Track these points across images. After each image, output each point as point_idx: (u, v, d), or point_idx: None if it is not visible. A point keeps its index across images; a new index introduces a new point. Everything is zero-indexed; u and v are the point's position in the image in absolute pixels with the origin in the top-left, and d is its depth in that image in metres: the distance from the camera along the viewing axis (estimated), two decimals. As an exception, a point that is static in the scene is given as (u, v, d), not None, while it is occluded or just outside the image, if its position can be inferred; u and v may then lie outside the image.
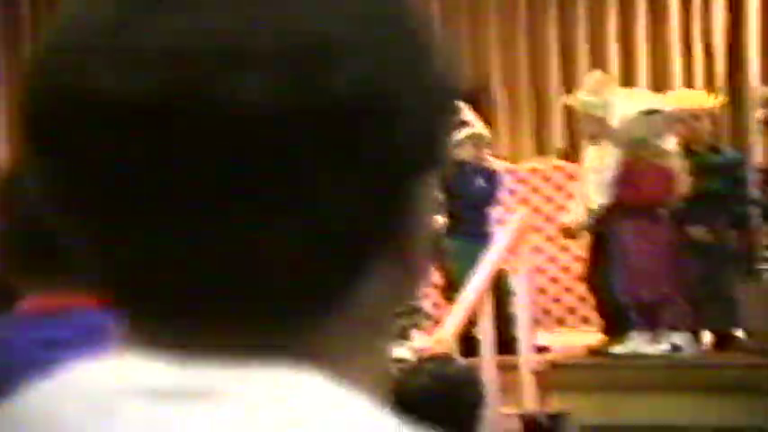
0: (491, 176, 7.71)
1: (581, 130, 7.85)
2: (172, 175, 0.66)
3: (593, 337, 8.04)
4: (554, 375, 6.83)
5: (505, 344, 6.50)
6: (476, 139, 7.68)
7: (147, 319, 0.69)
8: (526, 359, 6.72)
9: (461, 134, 7.45)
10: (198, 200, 0.66)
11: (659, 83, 9.62)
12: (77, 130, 0.67)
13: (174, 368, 0.67)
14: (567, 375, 6.88)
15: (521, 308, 6.80)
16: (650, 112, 6.99)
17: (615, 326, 7.25)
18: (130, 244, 0.68)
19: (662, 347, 6.98)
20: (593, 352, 7.31)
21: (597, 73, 7.76)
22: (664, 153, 7.05)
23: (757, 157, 8.82)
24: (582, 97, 7.30)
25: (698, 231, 7.01)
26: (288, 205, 0.66)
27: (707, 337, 7.27)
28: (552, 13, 10.16)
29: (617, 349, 7.15)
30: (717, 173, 7.17)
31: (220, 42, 0.66)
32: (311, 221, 0.67)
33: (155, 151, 0.65)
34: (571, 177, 8.93)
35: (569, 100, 7.90)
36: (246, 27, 0.66)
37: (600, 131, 7.12)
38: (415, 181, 0.70)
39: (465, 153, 7.51)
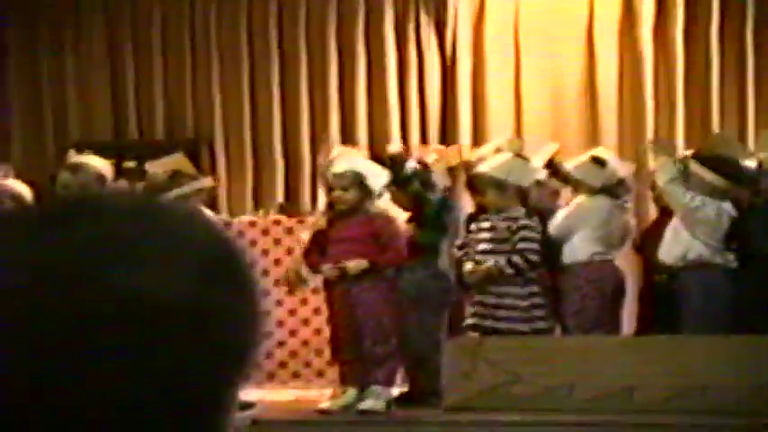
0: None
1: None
2: None
3: (303, 392, 8.13)
4: (256, 433, 6.84)
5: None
6: (203, 193, 7.73)
7: None
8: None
9: (188, 188, 7.46)
10: None
11: (378, 139, 9.84)
12: None
13: None
14: (271, 433, 6.91)
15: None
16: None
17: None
18: None
19: (371, 403, 7.06)
20: (309, 408, 7.35)
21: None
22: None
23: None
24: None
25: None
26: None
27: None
28: (275, 70, 10.29)
29: (326, 405, 7.21)
30: None
31: None
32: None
33: None
34: (289, 231, 9.02)
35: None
36: None
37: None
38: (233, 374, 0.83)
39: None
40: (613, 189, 7.51)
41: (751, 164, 7.45)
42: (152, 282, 0.81)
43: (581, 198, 7.52)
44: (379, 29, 10.18)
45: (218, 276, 0.85)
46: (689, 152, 7.69)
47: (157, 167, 7.82)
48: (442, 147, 9.03)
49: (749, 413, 6.24)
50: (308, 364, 8.93)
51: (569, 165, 7.70)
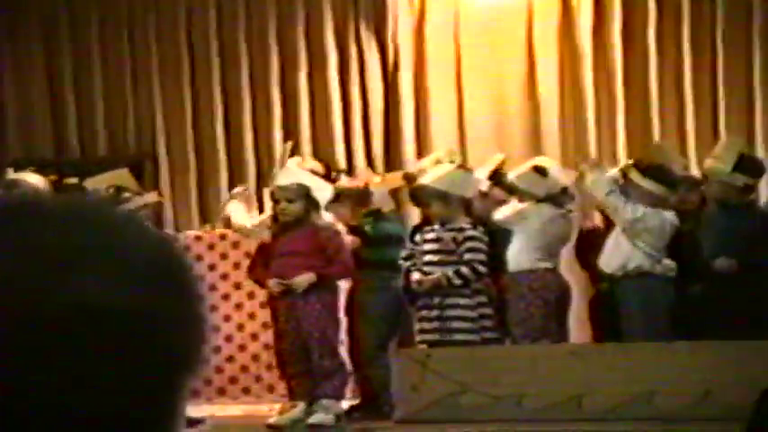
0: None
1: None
2: None
3: (253, 407, 8.11)
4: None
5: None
6: (148, 209, 7.72)
7: None
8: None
9: (132, 204, 7.44)
10: None
11: (322, 150, 9.86)
12: None
13: None
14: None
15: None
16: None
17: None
18: None
19: (320, 417, 7.05)
20: (258, 423, 7.33)
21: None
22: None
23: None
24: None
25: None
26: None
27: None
28: (217, 85, 10.27)
29: (275, 420, 7.19)
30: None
31: None
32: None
33: None
34: (236, 246, 8.99)
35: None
36: None
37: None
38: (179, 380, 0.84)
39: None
40: (557, 198, 7.55)
41: (687, 172, 7.57)
42: (98, 288, 0.81)
43: (524, 205, 7.55)
44: (320, 40, 10.18)
45: (162, 282, 0.86)
46: (630, 161, 7.76)
47: (98, 183, 7.77)
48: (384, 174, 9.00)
49: (695, 419, 6.30)
50: (258, 379, 8.90)
51: (512, 175, 7.75)
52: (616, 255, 7.23)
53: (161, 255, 0.88)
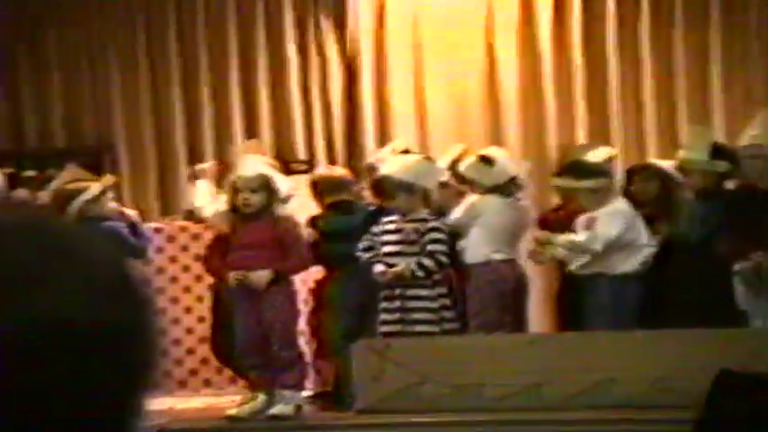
0: (136, 230, 7.69)
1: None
2: None
3: (214, 400, 8.09)
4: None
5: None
6: (109, 193, 7.70)
7: None
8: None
9: (95, 190, 7.41)
10: None
11: (282, 143, 9.84)
12: None
13: None
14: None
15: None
16: None
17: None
18: None
19: (280, 408, 7.04)
20: (219, 415, 7.31)
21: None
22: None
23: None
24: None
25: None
26: None
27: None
28: (176, 74, 10.23)
29: (235, 411, 7.17)
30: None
31: None
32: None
33: None
34: (196, 238, 8.95)
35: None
36: None
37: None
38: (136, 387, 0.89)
39: (101, 208, 7.46)
40: (504, 187, 7.54)
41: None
42: (57, 303, 0.83)
43: (473, 198, 7.55)
44: (280, 33, 10.17)
45: (119, 295, 0.89)
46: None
47: (58, 183, 7.70)
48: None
49: (653, 406, 6.32)
50: (219, 371, 8.87)
51: (462, 165, 7.75)
52: (590, 260, 7.23)
53: (118, 269, 0.90)
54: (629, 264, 7.17)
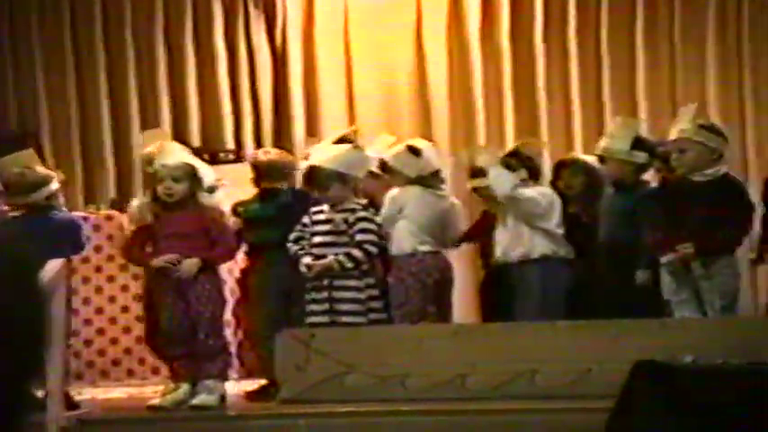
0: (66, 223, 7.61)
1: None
2: None
3: (137, 390, 8.03)
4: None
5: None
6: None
7: None
8: (55, 416, 6.55)
9: (53, 186, 7.33)
10: None
11: (210, 133, 9.79)
12: None
13: None
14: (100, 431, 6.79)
15: (51, 360, 6.63)
16: None
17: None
18: None
19: (203, 398, 6.98)
20: (141, 405, 7.25)
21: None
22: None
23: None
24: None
25: None
26: None
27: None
28: (101, 64, 10.14)
29: (157, 401, 7.11)
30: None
31: None
32: None
33: None
34: (121, 228, 8.88)
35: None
36: None
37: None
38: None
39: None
40: (427, 180, 7.56)
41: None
42: None
43: (394, 191, 7.56)
44: (208, 23, 10.11)
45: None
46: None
47: (6, 165, 7.58)
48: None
49: (575, 396, 6.37)
50: (142, 362, 8.81)
51: (387, 154, 7.76)
52: (516, 244, 7.27)
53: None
54: (553, 248, 7.24)
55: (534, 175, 7.49)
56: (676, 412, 4.71)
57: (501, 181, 7.28)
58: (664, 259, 6.81)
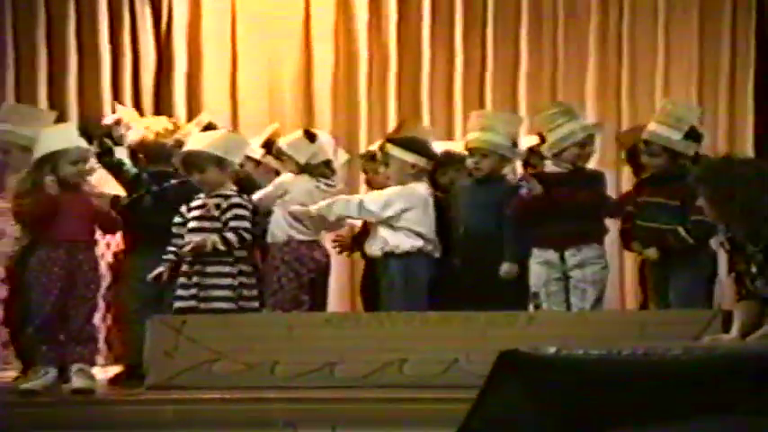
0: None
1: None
2: None
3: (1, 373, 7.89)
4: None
5: None
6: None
7: None
8: None
9: None
10: None
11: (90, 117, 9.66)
12: None
13: None
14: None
15: None
16: None
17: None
18: None
19: (81, 382, 6.87)
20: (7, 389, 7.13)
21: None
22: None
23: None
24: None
25: None
26: None
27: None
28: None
29: (28, 385, 6.97)
30: None
31: None
32: None
33: None
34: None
35: None
36: None
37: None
38: None
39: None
40: (316, 169, 7.56)
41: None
42: None
43: (283, 176, 7.57)
44: (92, 6, 10.00)
45: None
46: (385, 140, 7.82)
47: None
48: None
49: (443, 386, 6.41)
50: (5, 346, 8.64)
51: (282, 141, 7.78)
52: (377, 239, 7.31)
53: None
54: (413, 243, 7.25)
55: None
56: (537, 400, 4.75)
57: (331, 207, 7.30)
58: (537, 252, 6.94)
